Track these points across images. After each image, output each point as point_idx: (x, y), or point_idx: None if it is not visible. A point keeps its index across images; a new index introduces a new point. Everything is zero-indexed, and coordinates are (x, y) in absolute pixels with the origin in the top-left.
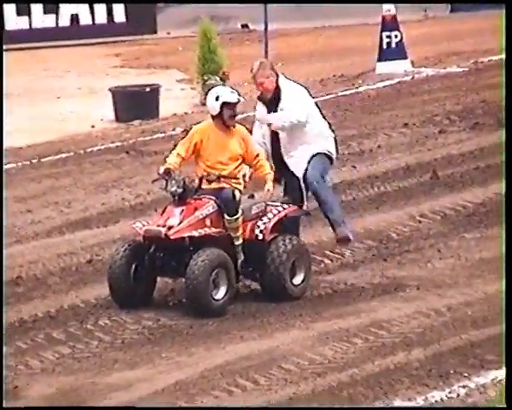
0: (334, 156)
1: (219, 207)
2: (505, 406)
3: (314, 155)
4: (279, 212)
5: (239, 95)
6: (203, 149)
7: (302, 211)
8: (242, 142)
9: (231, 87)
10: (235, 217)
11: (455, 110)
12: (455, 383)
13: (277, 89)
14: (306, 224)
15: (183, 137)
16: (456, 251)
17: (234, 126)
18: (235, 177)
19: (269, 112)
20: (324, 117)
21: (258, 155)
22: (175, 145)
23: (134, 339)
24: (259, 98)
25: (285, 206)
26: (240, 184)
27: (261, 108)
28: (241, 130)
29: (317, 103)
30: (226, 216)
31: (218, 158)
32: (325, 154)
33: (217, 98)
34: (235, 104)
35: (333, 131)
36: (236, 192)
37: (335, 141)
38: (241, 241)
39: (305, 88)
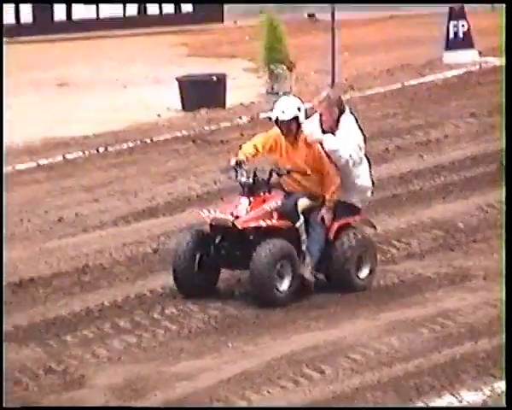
0: (359, 209)
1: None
2: (505, 406)
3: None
4: (347, 218)
5: (298, 109)
6: (274, 153)
7: (368, 222)
8: (309, 157)
9: (295, 98)
10: (297, 225)
11: None
12: None
13: (337, 122)
14: (373, 214)
15: (249, 127)
16: None
17: (295, 139)
18: (305, 173)
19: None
20: (370, 168)
21: (326, 174)
22: (241, 134)
23: (200, 328)
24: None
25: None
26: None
27: (315, 125)
28: (312, 144)
29: (367, 156)
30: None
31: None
32: (349, 204)
33: (271, 110)
34: (284, 121)
35: (373, 183)
36: (300, 203)
37: (372, 193)
38: (305, 245)
39: (364, 136)
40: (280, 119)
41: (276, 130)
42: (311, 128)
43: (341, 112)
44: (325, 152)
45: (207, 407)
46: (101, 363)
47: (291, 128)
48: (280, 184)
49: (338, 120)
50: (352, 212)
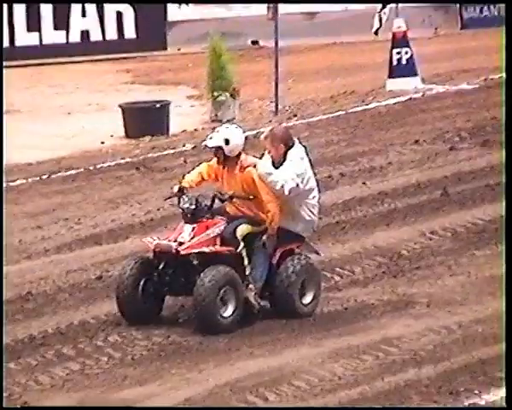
0: (300, 235)
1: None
2: (505, 406)
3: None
4: (290, 244)
5: (225, 142)
6: (216, 180)
7: (311, 248)
8: (244, 184)
9: (233, 127)
10: (238, 250)
11: (465, 127)
12: (465, 400)
13: (284, 156)
14: (316, 241)
15: (193, 154)
16: (467, 268)
17: (231, 166)
18: (248, 199)
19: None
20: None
21: (262, 201)
22: (185, 161)
23: (144, 355)
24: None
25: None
26: (254, 212)
27: (266, 160)
28: (248, 175)
29: (317, 182)
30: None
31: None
32: (289, 230)
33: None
34: (213, 148)
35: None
36: (239, 229)
37: (313, 225)
38: (249, 270)
39: (312, 165)
40: (205, 144)
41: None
42: (263, 162)
43: (288, 146)
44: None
45: (209, 408)
46: (44, 390)
47: (217, 155)
48: (224, 210)
49: (285, 154)
50: (295, 239)
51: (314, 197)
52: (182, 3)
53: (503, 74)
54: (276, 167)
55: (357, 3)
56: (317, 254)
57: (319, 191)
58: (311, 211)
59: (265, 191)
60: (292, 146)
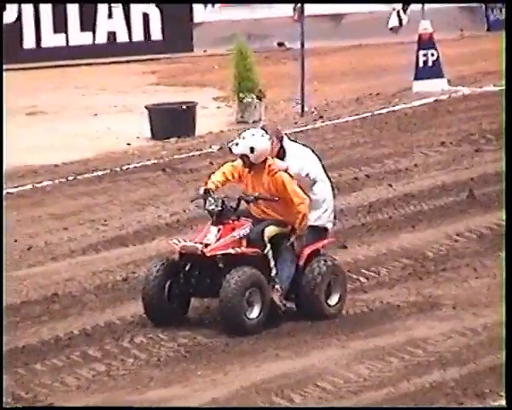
0: (325, 229)
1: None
2: (505, 406)
3: None
4: (317, 243)
5: (250, 150)
6: (241, 181)
7: (338, 243)
8: (272, 187)
9: (259, 132)
10: (265, 252)
11: (491, 129)
12: (491, 402)
13: (282, 149)
14: (342, 242)
15: (219, 156)
16: (492, 270)
17: (257, 170)
18: (273, 200)
19: None
20: (329, 178)
21: (291, 203)
22: (211, 163)
23: (169, 357)
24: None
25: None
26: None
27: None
28: (278, 179)
29: (323, 166)
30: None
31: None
32: (313, 226)
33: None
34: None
35: (334, 196)
36: (267, 231)
37: (334, 208)
38: (275, 271)
39: (312, 150)
40: (230, 147)
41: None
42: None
43: (280, 139)
44: (292, 180)
45: (213, 408)
46: (70, 391)
47: (244, 160)
48: (249, 212)
49: (283, 151)
50: (320, 235)
51: (327, 189)
52: (208, 3)
53: None
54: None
55: (381, 3)
56: (345, 247)
57: (333, 188)
58: (328, 196)
59: (295, 194)
60: (282, 138)
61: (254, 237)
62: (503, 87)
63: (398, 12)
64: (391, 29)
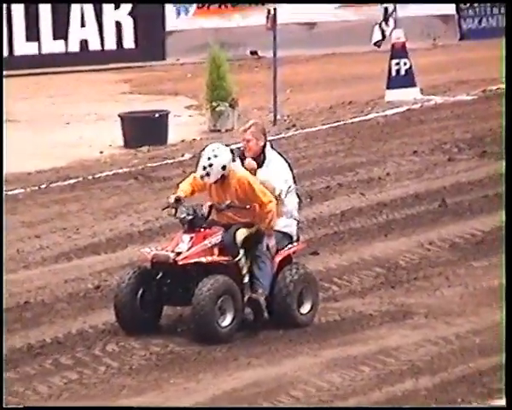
0: (293, 236)
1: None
2: (505, 406)
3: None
4: (288, 249)
5: (223, 170)
6: (208, 190)
7: (309, 250)
8: (240, 192)
9: (218, 147)
10: (236, 259)
11: (464, 138)
12: None
13: (262, 154)
14: (314, 251)
15: (191, 164)
16: (465, 279)
17: (222, 180)
18: (244, 208)
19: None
20: (299, 196)
21: (261, 206)
22: (183, 171)
23: (142, 365)
24: (241, 158)
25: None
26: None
27: (251, 162)
28: (244, 179)
29: (294, 179)
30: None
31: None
32: (284, 233)
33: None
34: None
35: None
36: (239, 233)
37: (297, 223)
38: (247, 279)
39: (288, 164)
40: (205, 180)
41: None
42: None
43: (265, 142)
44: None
45: (215, 408)
46: (42, 400)
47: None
48: (214, 220)
49: (263, 150)
50: (289, 242)
51: (295, 197)
52: (185, 3)
53: (502, 85)
54: (259, 165)
55: (357, 3)
56: (316, 253)
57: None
58: (296, 210)
59: (263, 193)
60: (266, 142)
61: (228, 241)
62: (484, 94)
63: (381, 25)
64: (375, 44)
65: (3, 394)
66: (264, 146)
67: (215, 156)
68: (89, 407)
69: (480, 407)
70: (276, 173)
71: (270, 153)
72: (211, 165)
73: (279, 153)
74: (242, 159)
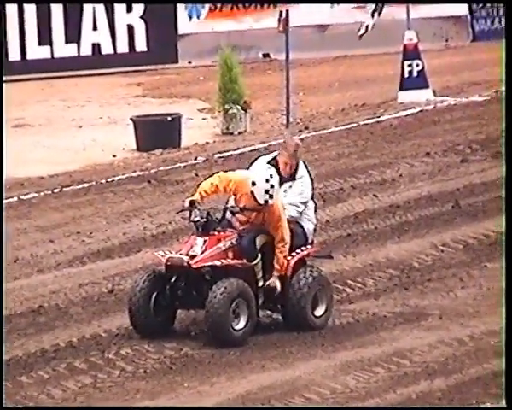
0: (308, 239)
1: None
2: (505, 406)
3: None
4: (302, 251)
5: (267, 192)
6: (238, 199)
7: (324, 252)
8: (267, 219)
9: (268, 169)
10: (254, 262)
11: (477, 139)
12: None
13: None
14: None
15: (204, 167)
16: (479, 280)
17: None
18: (258, 210)
19: (281, 181)
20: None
21: (279, 239)
22: (196, 174)
23: (156, 369)
24: (274, 166)
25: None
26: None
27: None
28: (273, 213)
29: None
30: (245, 260)
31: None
32: (301, 226)
33: (253, 183)
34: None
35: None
36: (259, 238)
37: (315, 226)
38: (261, 283)
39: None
40: (268, 202)
41: (238, 176)
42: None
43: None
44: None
45: (217, 408)
46: (56, 404)
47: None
48: (230, 223)
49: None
50: (304, 243)
51: (312, 202)
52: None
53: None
54: (286, 179)
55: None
56: (330, 257)
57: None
58: (313, 214)
59: (285, 232)
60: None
61: (246, 245)
62: (497, 95)
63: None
64: (360, 37)
65: (3, 394)
66: (297, 160)
67: (271, 176)
68: (90, 407)
69: (480, 407)
70: (300, 191)
71: (301, 169)
72: (272, 186)
73: (305, 164)
74: (277, 168)
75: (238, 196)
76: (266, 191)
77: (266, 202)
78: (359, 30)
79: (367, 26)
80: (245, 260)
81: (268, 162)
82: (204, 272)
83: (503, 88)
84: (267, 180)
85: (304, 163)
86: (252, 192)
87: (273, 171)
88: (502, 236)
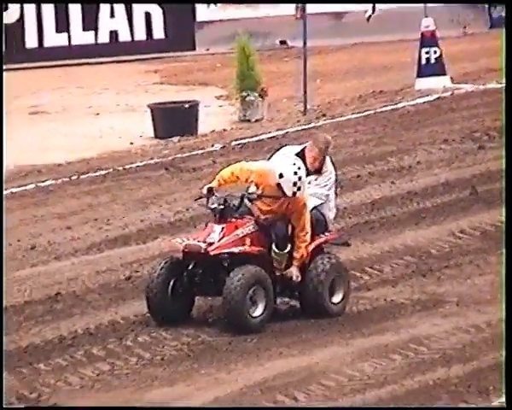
0: (328, 225)
1: (270, 238)
2: (505, 406)
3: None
4: (320, 237)
5: (295, 185)
6: (261, 187)
7: (342, 239)
8: (290, 208)
9: (296, 161)
10: (285, 251)
11: (494, 126)
12: (494, 399)
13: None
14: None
15: (222, 154)
16: (496, 267)
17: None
18: (277, 197)
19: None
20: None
21: (299, 230)
22: (213, 161)
23: (173, 356)
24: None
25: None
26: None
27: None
28: (298, 203)
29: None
30: (275, 249)
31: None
32: (322, 214)
33: (280, 175)
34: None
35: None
36: (290, 226)
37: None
38: (280, 272)
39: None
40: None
41: (261, 168)
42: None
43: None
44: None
45: (215, 408)
46: (73, 391)
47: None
48: (249, 210)
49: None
50: (323, 229)
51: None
52: (210, 3)
53: None
54: (310, 173)
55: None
56: (348, 245)
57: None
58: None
59: (307, 223)
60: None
61: (280, 233)
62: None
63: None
64: (367, 19)
65: (3, 394)
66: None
67: (299, 168)
68: (90, 407)
69: (481, 407)
70: (325, 184)
71: (328, 163)
72: (300, 178)
73: (331, 159)
74: (303, 160)
75: (261, 188)
76: (294, 184)
77: (294, 194)
78: (366, 11)
79: (373, 7)
80: (262, 247)
81: (296, 154)
82: (221, 259)
83: None
84: (295, 173)
85: (330, 158)
86: (278, 184)
87: (301, 163)
88: None
